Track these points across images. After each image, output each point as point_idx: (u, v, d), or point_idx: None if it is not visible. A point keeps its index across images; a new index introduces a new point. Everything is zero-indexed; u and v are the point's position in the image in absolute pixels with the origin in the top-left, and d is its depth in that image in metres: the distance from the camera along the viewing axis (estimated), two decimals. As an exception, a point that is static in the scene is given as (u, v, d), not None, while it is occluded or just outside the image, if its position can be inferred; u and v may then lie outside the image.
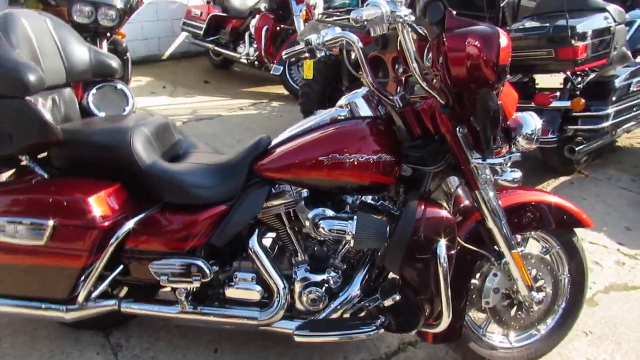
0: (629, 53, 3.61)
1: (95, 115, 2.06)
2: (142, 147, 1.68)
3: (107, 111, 2.08)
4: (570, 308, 1.88)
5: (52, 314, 1.74)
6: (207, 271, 1.67)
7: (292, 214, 1.70)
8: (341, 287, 1.69)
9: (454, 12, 1.43)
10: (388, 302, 1.67)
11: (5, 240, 1.64)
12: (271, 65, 5.23)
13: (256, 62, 5.55)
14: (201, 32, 5.97)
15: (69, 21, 3.60)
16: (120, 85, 2.17)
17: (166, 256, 1.68)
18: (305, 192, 1.66)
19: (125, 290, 1.92)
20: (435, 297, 1.56)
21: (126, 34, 4.44)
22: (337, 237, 1.62)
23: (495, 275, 1.72)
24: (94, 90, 2.09)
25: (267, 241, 1.76)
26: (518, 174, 1.58)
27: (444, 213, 1.54)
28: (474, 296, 1.76)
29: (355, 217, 1.56)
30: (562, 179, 3.53)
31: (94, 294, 1.72)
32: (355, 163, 1.53)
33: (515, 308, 1.78)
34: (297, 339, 1.68)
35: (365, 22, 1.39)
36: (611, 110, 3.17)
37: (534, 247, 1.83)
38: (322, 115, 1.68)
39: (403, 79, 1.73)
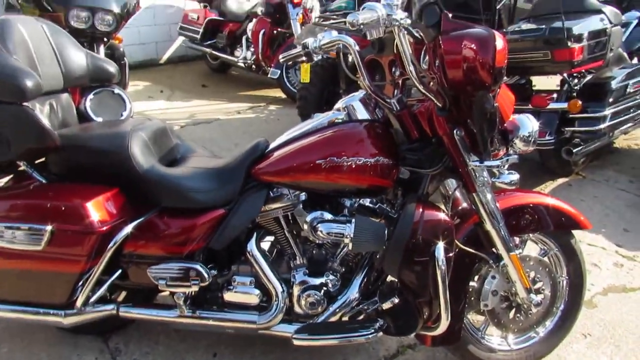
0: (625, 54, 3.62)
1: (92, 121, 2.06)
2: (139, 152, 1.68)
3: (105, 116, 2.08)
4: (568, 310, 1.88)
5: (51, 319, 1.74)
6: (206, 275, 1.67)
7: (290, 218, 1.70)
8: (340, 291, 1.69)
9: (450, 15, 1.43)
10: (387, 305, 1.68)
11: (3, 246, 1.64)
12: (268, 68, 5.24)
13: (253, 66, 5.56)
14: (198, 36, 5.97)
15: (65, 26, 3.60)
16: (117, 90, 2.17)
17: (164, 260, 1.68)
18: (303, 196, 1.66)
19: (123, 294, 1.92)
20: (434, 300, 1.56)
21: (123, 38, 4.44)
22: (335, 240, 1.62)
23: (493, 277, 1.72)
24: (91, 96, 2.09)
25: (265, 245, 1.76)
26: (515, 176, 1.59)
27: (441, 216, 1.54)
28: (472, 299, 1.76)
29: (353, 220, 1.56)
30: (560, 180, 3.54)
31: (92, 299, 1.72)
32: (353, 166, 1.53)
33: (513, 310, 1.78)
34: (295, 342, 1.68)
35: (362, 26, 1.40)
36: (608, 111, 3.18)
37: (532, 249, 1.84)
38: (320, 118, 1.68)
39: (400, 81, 1.74)
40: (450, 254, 1.53)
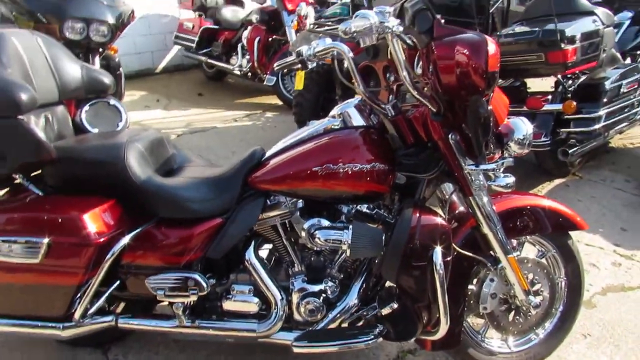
0: (618, 55, 3.65)
1: (88, 132, 2.06)
2: (136, 163, 1.68)
3: (101, 127, 2.09)
4: (567, 311, 1.89)
5: (49, 332, 1.73)
6: (204, 285, 1.66)
7: (287, 225, 1.70)
8: (339, 297, 1.69)
9: (443, 20, 1.44)
10: (386, 311, 1.67)
11: (0, 260, 1.63)
12: (264, 76, 5.25)
13: (249, 74, 5.58)
14: (194, 45, 6.00)
15: (60, 38, 3.61)
16: (113, 101, 2.18)
17: (163, 271, 1.68)
18: (300, 203, 1.66)
19: (122, 306, 1.91)
20: (433, 304, 1.56)
21: (119, 48, 4.45)
22: (333, 247, 1.62)
23: (492, 280, 1.73)
24: (86, 107, 2.10)
25: (263, 253, 1.76)
26: (511, 179, 1.59)
27: (439, 220, 1.54)
28: (471, 302, 1.76)
29: (350, 226, 1.57)
30: (557, 181, 3.55)
31: (91, 311, 1.71)
32: (350, 172, 1.53)
33: (513, 313, 1.79)
34: (295, 350, 1.67)
35: (355, 34, 1.40)
36: (603, 112, 3.20)
37: (529, 251, 1.84)
38: (315, 125, 1.69)
39: (394, 87, 1.75)
40: (448, 258, 1.54)
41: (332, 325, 1.68)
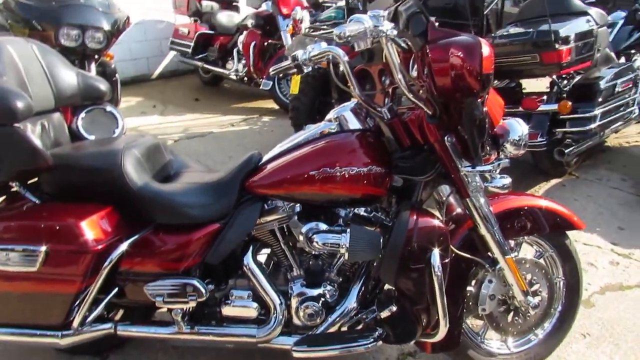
0: (612, 54, 3.66)
1: (85, 139, 2.06)
2: (133, 169, 1.68)
3: (97, 134, 2.09)
4: (566, 311, 1.89)
5: (48, 340, 1.72)
6: (203, 290, 1.66)
7: (285, 230, 1.70)
8: (338, 301, 1.69)
9: (437, 23, 1.45)
10: (385, 314, 1.68)
11: (-2, 268, 1.63)
12: (260, 80, 5.25)
13: (245, 78, 5.58)
14: (189, 51, 6.00)
15: (56, 45, 3.60)
16: (109, 108, 2.18)
17: (161, 277, 1.67)
18: (298, 207, 1.66)
19: (121, 313, 1.90)
20: (432, 307, 1.56)
21: (114, 55, 4.45)
22: (331, 250, 1.62)
23: (490, 281, 1.73)
24: (83, 114, 2.09)
25: (262, 257, 1.76)
26: (508, 180, 1.60)
27: (436, 222, 1.54)
28: (470, 303, 1.76)
29: (348, 230, 1.57)
30: (554, 181, 3.56)
31: (89, 319, 1.70)
32: (346, 176, 1.53)
33: (512, 314, 1.79)
34: (295, 354, 1.67)
35: (349, 38, 1.41)
36: (598, 111, 3.21)
37: (527, 251, 1.84)
38: (312, 129, 1.69)
39: (390, 90, 1.76)
40: (446, 260, 1.54)
41: (332, 329, 1.68)
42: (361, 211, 1.66)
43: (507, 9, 3.88)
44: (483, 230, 1.61)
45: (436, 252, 1.51)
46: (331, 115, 1.70)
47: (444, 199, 1.74)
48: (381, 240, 1.56)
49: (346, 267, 1.72)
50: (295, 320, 1.70)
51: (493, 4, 3.61)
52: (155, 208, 1.67)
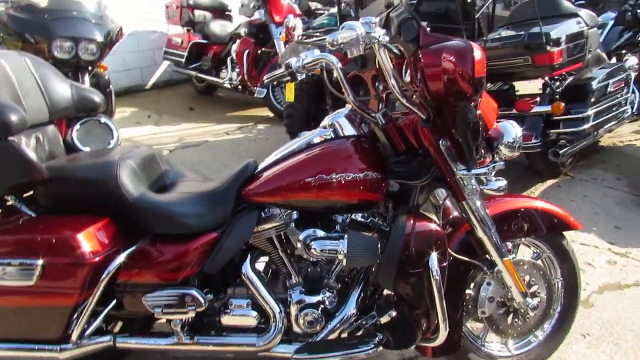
0: (604, 55, 3.69)
1: (80, 151, 2.06)
2: (129, 180, 1.67)
3: (92, 146, 2.09)
4: (565, 311, 1.89)
5: (46, 354, 1.71)
6: (202, 300, 1.66)
7: (283, 237, 1.70)
8: (337, 307, 1.69)
9: (428, 29, 1.46)
10: (384, 319, 1.67)
11: (-5, 283, 1.62)
12: (255, 88, 5.27)
13: (239, 86, 5.59)
14: (183, 60, 6.01)
15: (49, 57, 3.60)
16: (104, 119, 2.18)
17: (159, 288, 1.67)
18: (295, 214, 1.66)
19: (119, 325, 1.89)
20: (431, 311, 1.56)
21: (108, 66, 4.45)
22: (329, 257, 1.62)
23: (489, 284, 1.73)
24: (77, 126, 2.10)
25: (260, 266, 1.75)
26: (503, 182, 1.61)
27: (433, 226, 1.55)
28: (469, 306, 1.76)
29: (346, 236, 1.57)
30: (549, 182, 3.57)
31: (88, 331, 1.69)
32: (342, 182, 1.53)
33: (511, 315, 1.79)
34: (296, 362, 1.66)
35: (342, 45, 1.42)
36: (591, 111, 3.23)
37: (525, 253, 1.85)
38: (307, 136, 1.70)
39: (384, 96, 1.76)
40: (444, 264, 1.54)
41: (332, 336, 1.68)
42: (358, 217, 1.66)
43: (498, 13, 3.91)
44: (480, 233, 1.62)
45: (434, 256, 1.51)
46: (326, 121, 1.70)
47: (441, 202, 1.75)
48: (379, 246, 1.56)
49: (345, 273, 1.72)
50: (295, 328, 1.69)
51: (484, 8, 3.63)
52: (151, 218, 1.66)
